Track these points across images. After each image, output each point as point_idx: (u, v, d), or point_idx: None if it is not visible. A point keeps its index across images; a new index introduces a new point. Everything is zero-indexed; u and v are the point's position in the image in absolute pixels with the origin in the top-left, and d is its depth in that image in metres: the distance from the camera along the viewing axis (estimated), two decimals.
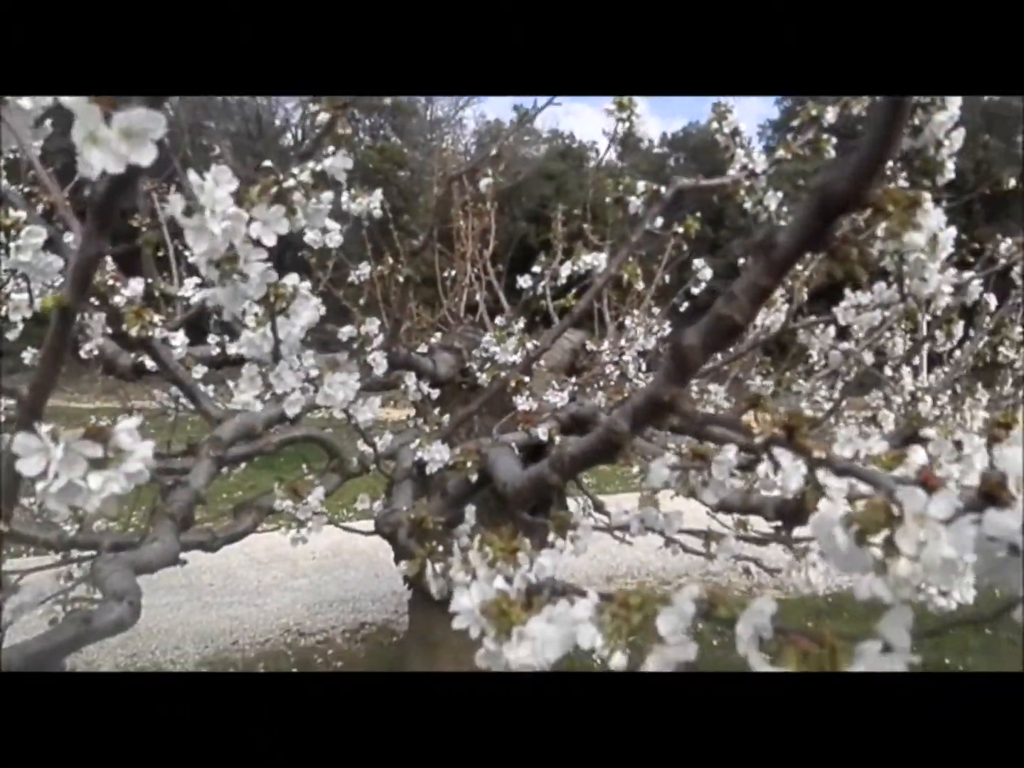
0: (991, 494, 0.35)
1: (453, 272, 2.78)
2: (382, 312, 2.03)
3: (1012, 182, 1.91)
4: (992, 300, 1.88)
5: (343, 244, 1.65)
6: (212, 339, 1.59)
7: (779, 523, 1.02)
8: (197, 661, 3.33)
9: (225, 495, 4.31)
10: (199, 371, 1.42)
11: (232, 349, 0.89)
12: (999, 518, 0.31)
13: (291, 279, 0.67)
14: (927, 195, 0.52)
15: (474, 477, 0.97)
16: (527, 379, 1.46)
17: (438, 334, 2.24)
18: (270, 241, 0.55)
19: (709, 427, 0.74)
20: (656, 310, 2.56)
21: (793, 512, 0.97)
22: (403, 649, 2.74)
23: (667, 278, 2.80)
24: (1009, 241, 1.52)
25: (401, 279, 1.36)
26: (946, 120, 0.80)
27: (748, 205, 1.49)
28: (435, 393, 1.84)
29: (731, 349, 2.15)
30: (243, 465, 1.83)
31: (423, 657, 2.27)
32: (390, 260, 1.57)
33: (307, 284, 0.69)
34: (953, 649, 3.37)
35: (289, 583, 4.33)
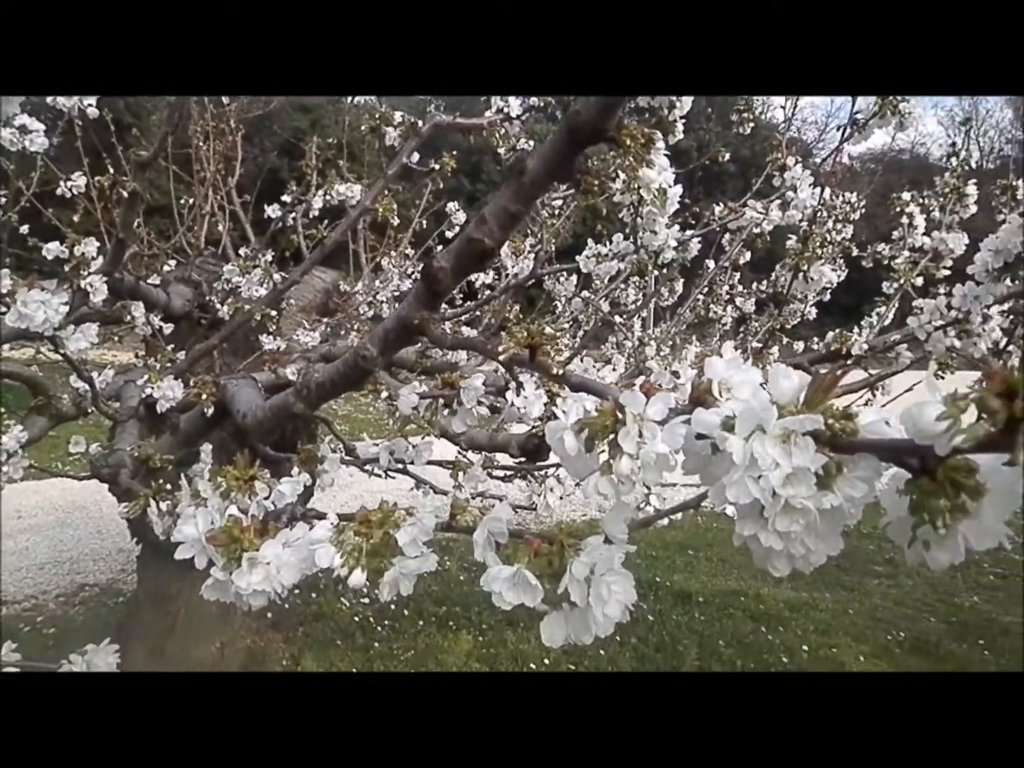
0: (699, 399, 0.39)
1: (191, 201, 2.52)
2: (103, 234, 1.78)
3: (727, 157, 2.16)
4: (711, 264, 2.15)
5: (52, 151, 1.42)
6: None
7: (523, 458, 1.08)
8: None
9: None
10: None
11: None
12: (704, 416, 0.34)
13: None
14: (659, 133, 0.55)
15: (210, 411, 0.89)
16: (274, 314, 1.38)
17: (173, 263, 2.03)
18: None
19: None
20: (411, 252, 2.55)
21: (536, 448, 1.03)
22: (131, 608, 2.51)
23: (424, 223, 2.80)
24: (722, 205, 1.72)
25: (126, 194, 1.20)
26: None
27: (502, 150, 1.52)
28: (168, 328, 1.67)
29: (484, 295, 2.22)
30: None
31: (154, 613, 2.11)
32: (111, 171, 1.37)
33: None
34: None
35: None
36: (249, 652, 2.60)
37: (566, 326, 2.30)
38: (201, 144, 2.39)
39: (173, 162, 2.38)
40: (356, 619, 3.03)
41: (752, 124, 2.03)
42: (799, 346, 2.01)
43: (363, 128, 1.22)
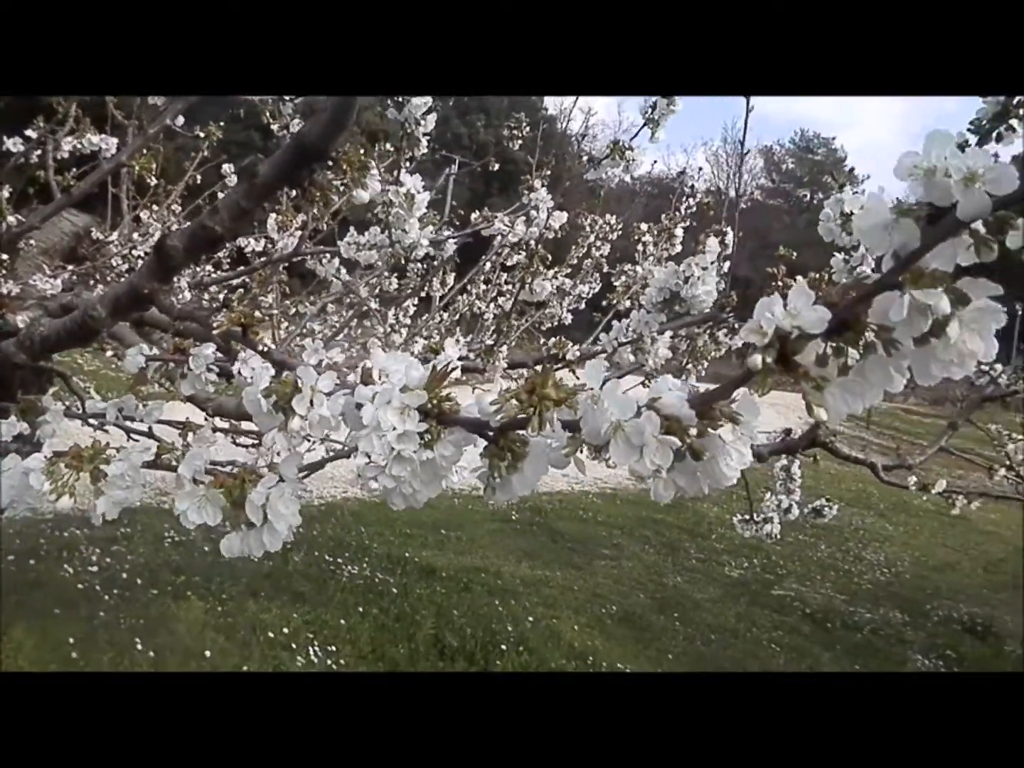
0: (365, 381, 0.50)
1: None
2: None
3: (496, 166, 2.35)
4: (489, 264, 2.34)
5: None
6: None
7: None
8: None
9: None
10: None
11: None
12: (363, 391, 0.46)
13: None
14: (373, 162, 0.66)
15: None
16: (4, 257, 1.30)
17: None
18: None
19: (186, 322, 0.81)
20: (177, 208, 2.45)
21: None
22: None
23: (199, 178, 2.69)
24: (478, 212, 1.89)
25: None
26: (422, 104, 0.99)
27: (275, 127, 1.55)
28: None
29: (253, 264, 2.21)
30: None
31: None
32: None
33: None
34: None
35: None
36: None
37: (332, 303, 2.36)
38: None
39: None
40: (81, 587, 2.84)
41: (520, 140, 2.22)
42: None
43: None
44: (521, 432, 0.43)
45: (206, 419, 1.27)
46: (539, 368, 1.28)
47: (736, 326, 1.36)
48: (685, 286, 1.14)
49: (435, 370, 0.45)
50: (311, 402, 0.47)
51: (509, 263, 2.48)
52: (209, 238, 0.63)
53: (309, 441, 0.46)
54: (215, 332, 0.57)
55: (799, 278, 1.27)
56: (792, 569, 4.88)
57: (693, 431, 0.35)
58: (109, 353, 0.76)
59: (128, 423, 0.89)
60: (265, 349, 0.56)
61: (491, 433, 0.44)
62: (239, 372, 0.79)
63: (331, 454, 0.83)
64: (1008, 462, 1.91)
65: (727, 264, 1.85)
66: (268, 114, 1.41)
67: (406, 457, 0.43)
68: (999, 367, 2.01)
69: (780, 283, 1.36)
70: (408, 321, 3.03)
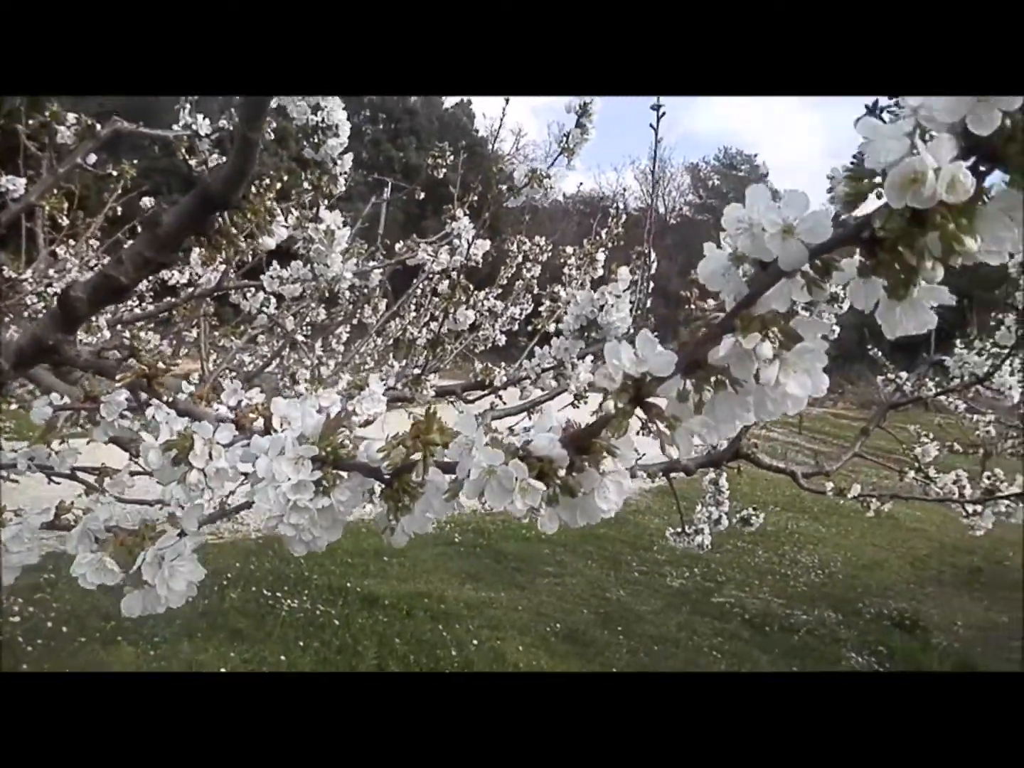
0: (267, 429, 0.52)
1: None
2: None
3: (422, 195, 2.37)
4: (419, 290, 2.35)
5: None
6: None
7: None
8: None
9: None
10: None
11: None
12: (259, 441, 0.47)
13: None
14: (278, 209, 0.68)
15: None
16: None
17: None
18: None
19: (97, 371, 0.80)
20: (95, 243, 2.39)
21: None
22: None
23: (119, 210, 2.63)
24: (402, 242, 1.91)
25: None
26: (337, 144, 1.01)
27: (194, 163, 1.55)
28: None
29: (174, 298, 2.17)
30: None
31: None
32: None
33: None
34: None
35: None
36: None
37: (262, 335, 2.34)
38: None
39: None
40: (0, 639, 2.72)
41: (444, 169, 2.25)
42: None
43: (30, 123, 1.18)
44: (415, 476, 0.45)
45: (131, 458, 1.25)
46: (467, 394, 1.30)
47: None
48: (600, 313, 1.18)
49: (329, 417, 0.46)
50: (209, 455, 0.48)
51: (440, 288, 2.51)
52: (113, 288, 0.63)
53: (217, 490, 0.47)
54: (118, 385, 0.57)
55: (711, 301, 1.33)
56: (731, 576, 5.00)
57: (563, 471, 0.38)
58: (14, 406, 0.74)
59: (45, 471, 0.87)
60: (170, 399, 0.57)
61: (387, 476, 0.46)
62: (153, 417, 0.79)
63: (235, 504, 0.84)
64: (917, 464, 2.02)
65: (651, 285, 1.91)
66: (184, 151, 1.40)
67: (302, 506, 0.44)
68: (904, 375, 2.13)
69: (693, 306, 1.42)
70: (341, 348, 3.02)
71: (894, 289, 0.31)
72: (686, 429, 0.36)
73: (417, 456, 0.43)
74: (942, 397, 2.14)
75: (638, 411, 0.37)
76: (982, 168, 0.28)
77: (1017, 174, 0.27)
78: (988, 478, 1.83)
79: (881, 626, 4.24)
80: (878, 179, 0.29)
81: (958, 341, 1.88)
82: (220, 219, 0.64)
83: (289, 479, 0.44)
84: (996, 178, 0.30)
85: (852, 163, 0.32)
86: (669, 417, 0.36)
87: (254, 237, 0.67)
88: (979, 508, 1.78)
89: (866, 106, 1.15)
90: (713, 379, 0.37)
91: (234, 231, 0.65)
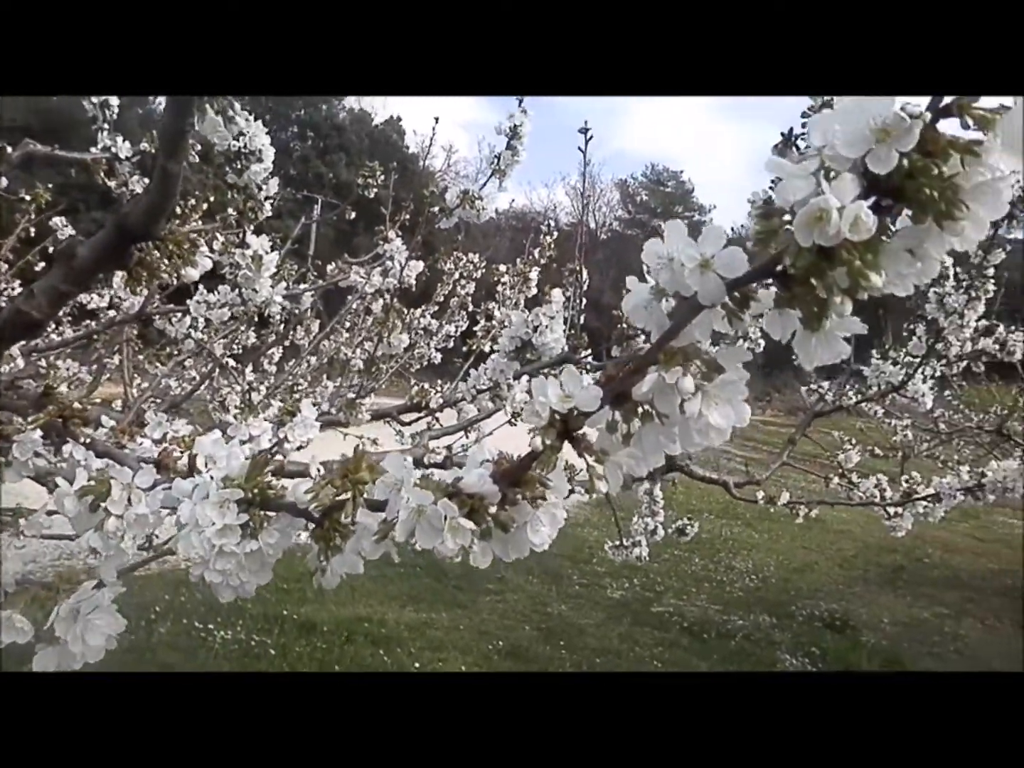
0: (190, 470, 0.50)
1: None
2: None
3: (352, 215, 2.35)
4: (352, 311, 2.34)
5: None
6: None
7: None
8: None
9: None
10: None
11: None
12: (181, 485, 0.46)
13: None
14: (202, 240, 0.66)
15: None
16: None
17: None
18: None
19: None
20: (4, 266, 2.28)
21: None
22: None
23: (32, 231, 2.52)
24: (334, 263, 1.89)
25: None
26: (261, 170, 0.99)
27: (112, 185, 1.50)
28: None
29: (94, 323, 2.09)
30: None
31: None
32: None
33: None
34: None
35: None
36: None
37: (188, 360, 2.27)
38: None
39: None
40: None
41: (376, 189, 2.24)
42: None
43: None
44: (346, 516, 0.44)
45: (50, 494, 1.19)
46: (403, 417, 1.28)
47: (588, 367, 1.43)
48: (535, 335, 1.19)
49: (256, 458, 0.45)
50: (128, 500, 0.46)
51: (374, 307, 2.49)
52: (25, 324, 0.60)
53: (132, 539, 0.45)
54: (30, 427, 0.54)
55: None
56: (670, 585, 5.08)
57: (493, 509, 0.38)
58: None
59: None
60: (87, 440, 0.55)
61: (317, 516, 0.45)
62: (71, 455, 0.75)
63: (154, 552, 0.81)
64: (841, 470, 2.09)
65: (583, 301, 1.93)
66: (103, 174, 1.36)
67: (228, 551, 0.43)
68: (826, 384, 2.21)
69: (623, 325, 1.45)
70: (273, 369, 2.95)
71: (808, 321, 0.32)
72: (614, 462, 0.36)
73: (346, 496, 0.42)
74: (862, 404, 2.24)
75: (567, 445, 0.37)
76: (884, 204, 0.30)
77: (917, 210, 0.29)
78: (906, 481, 1.91)
79: (813, 627, 4.37)
80: (788, 216, 0.30)
81: (874, 351, 1.96)
82: (139, 251, 0.62)
83: (214, 524, 0.43)
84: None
85: (763, 202, 0.33)
86: (598, 451, 0.37)
87: (177, 268, 0.65)
88: (899, 510, 1.86)
89: (782, 133, 1.19)
90: (640, 410, 0.37)
91: (155, 263, 0.63)
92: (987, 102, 0.25)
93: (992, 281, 1.66)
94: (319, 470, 0.63)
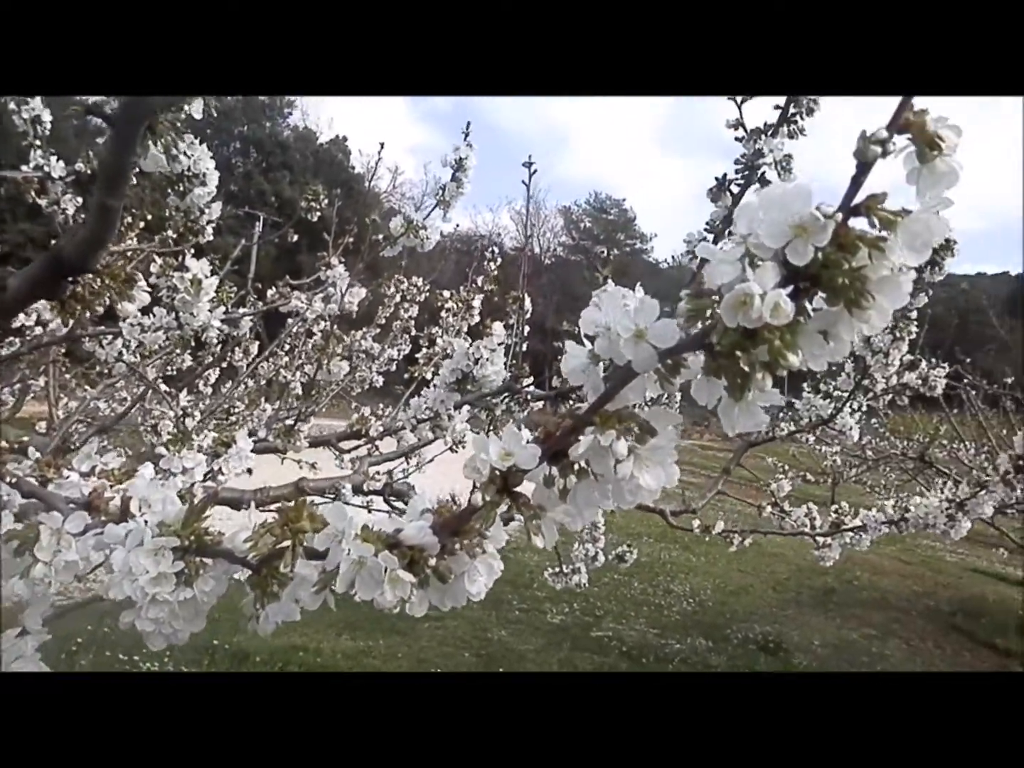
0: (124, 514, 0.49)
1: None
2: None
3: (295, 237, 2.34)
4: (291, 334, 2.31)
5: None
6: None
7: None
8: None
9: None
10: None
11: None
12: (114, 530, 0.45)
13: None
14: (140, 274, 0.66)
15: None
16: None
17: None
18: None
19: None
20: None
21: None
22: None
23: None
24: (275, 287, 1.87)
25: None
26: (204, 194, 0.98)
27: (44, 203, 1.46)
28: None
29: (19, 342, 2.01)
30: None
31: None
32: None
33: None
34: None
35: None
36: None
37: (117, 383, 2.20)
38: None
39: None
40: None
41: (319, 212, 2.23)
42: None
43: None
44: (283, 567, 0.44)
45: None
46: (342, 445, 1.27)
47: (528, 397, 1.45)
48: (475, 367, 1.20)
49: (192, 505, 0.45)
50: (57, 546, 0.45)
51: (315, 329, 2.46)
52: None
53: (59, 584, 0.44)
54: None
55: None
56: (609, 609, 5.11)
57: (433, 560, 0.39)
58: None
59: None
60: (13, 480, 0.53)
61: (254, 563, 0.45)
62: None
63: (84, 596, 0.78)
64: (773, 499, 2.16)
65: (527, 329, 1.96)
66: (34, 192, 1.32)
67: (162, 600, 0.42)
68: None
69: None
70: (209, 391, 2.88)
71: (732, 391, 0.34)
72: (551, 518, 0.38)
73: (286, 544, 0.42)
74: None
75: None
76: (802, 287, 0.32)
77: (831, 295, 0.31)
78: (835, 512, 1.98)
79: (748, 650, 4.46)
80: (716, 298, 0.32)
81: (805, 385, 2.03)
82: (73, 283, 0.61)
83: (148, 572, 0.42)
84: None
85: (691, 288, 0.35)
86: (535, 507, 0.38)
87: (113, 302, 0.64)
88: (828, 540, 1.93)
89: (716, 178, 1.23)
90: (576, 467, 0.39)
91: (89, 297, 0.62)
92: (892, 203, 0.28)
93: (915, 323, 1.76)
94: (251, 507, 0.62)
